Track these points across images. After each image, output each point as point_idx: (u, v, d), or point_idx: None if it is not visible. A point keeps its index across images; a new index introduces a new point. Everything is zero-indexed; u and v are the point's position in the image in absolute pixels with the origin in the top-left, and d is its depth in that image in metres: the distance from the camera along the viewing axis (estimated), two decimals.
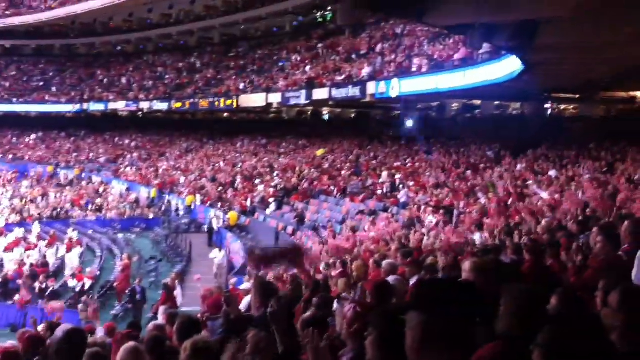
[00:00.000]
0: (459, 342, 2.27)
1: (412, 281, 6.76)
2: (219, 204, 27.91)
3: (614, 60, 13.65)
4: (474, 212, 14.51)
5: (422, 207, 17.99)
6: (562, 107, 27.43)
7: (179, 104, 40.62)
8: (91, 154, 44.87)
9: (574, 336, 2.26)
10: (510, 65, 15.86)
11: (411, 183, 21.72)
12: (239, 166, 32.89)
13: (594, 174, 14.60)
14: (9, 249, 23.00)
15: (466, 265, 5.51)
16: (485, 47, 15.96)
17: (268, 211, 25.57)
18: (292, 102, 31.74)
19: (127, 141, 46.09)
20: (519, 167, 18.88)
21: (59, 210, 31.54)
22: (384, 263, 7.87)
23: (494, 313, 2.88)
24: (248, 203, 26.76)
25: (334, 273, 9.70)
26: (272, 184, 27.84)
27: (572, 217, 9.18)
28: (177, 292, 16.00)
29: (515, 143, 21.38)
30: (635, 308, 2.77)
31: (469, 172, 20.32)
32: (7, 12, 53.62)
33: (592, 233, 6.05)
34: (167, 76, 46.25)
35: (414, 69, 24.01)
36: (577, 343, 2.21)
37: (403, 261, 8.06)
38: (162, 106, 42.13)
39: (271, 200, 26.03)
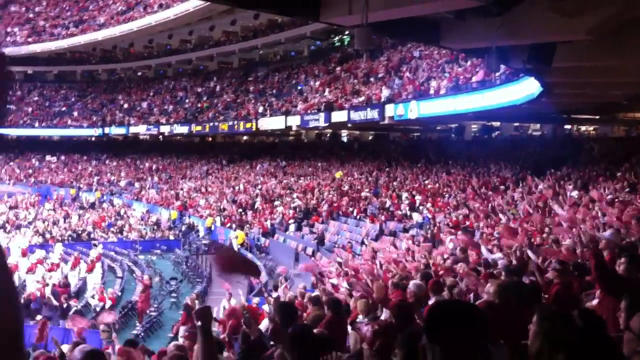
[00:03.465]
0: None
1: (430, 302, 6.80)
2: (237, 225, 28.10)
3: (634, 81, 13.64)
4: (495, 232, 14.48)
5: (442, 228, 17.99)
6: (582, 128, 27.38)
7: (199, 128, 41.12)
8: (112, 177, 45.43)
9: None
10: (528, 87, 15.92)
11: (430, 204, 21.73)
12: (259, 188, 33.08)
13: (616, 194, 14.53)
14: (31, 270, 23.25)
15: (489, 287, 5.57)
16: (504, 68, 16.04)
17: (288, 232, 25.66)
18: (311, 124, 32.00)
19: (148, 164, 46.61)
20: (539, 187, 18.83)
21: (80, 232, 31.88)
22: (408, 284, 7.91)
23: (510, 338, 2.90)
24: (268, 224, 26.89)
25: (354, 294, 9.75)
26: (292, 205, 27.97)
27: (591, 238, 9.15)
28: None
29: (535, 164, 21.35)
30: None
31: (489, 192, 20.30)
32: (29, 40, 54.84)
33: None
34: (187, 100, 46.83)
35: (432, 91, 24.14)
36: None
37: (423, 282, 8.09)
38: (182, 130, 42.65)
39: (291, 221, 26.14)
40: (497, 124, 27.02)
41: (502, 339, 3.37)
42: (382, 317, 7.33)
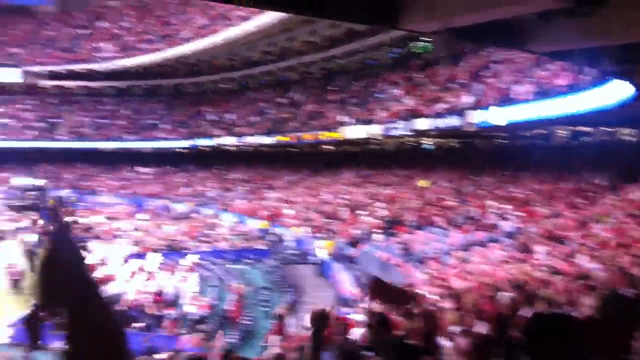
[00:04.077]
0: None
1: (524, 313, 6.84)
2: (323, 235, 28.48)
3: None
4: (589, 242, 14.19)
5: (532, 238, 17.72)
6: None
7: (283, 138, 41.99)
8: (201, 188, 46.95)
9: None
10: (621, 90, 15.50)
11: (519, 213, 21.39)
12: (343, 197, 33.41)
13: None
14: (128, 279, 24.42)
15: (588, 300, 5.60)
16: (592, 71, 15.70)
17: (373, 242, 25.81)
18: (393, 133, 32.08)
19: (235, 175, 47.93)
20: (633, 195, 18.25)
21: (173, 242, 33.16)
22: (500, 295, 7.98)
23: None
24: (353, 234, 27.14)
25: (445, 305, 9.85)
26: (377, 214, 28.11)
27: None
28: (289, 322, 16.58)
29: (628, 170, 20.65)
30: None
31: (580, 200, 19.81)
32: (120, 55, 57.51)
33: None
34: (270, 111, 47.87)
35: (516, 97, 23.77)
36: None
37: (515, 293, 8.12)
38: (267, 140, 43.68)
39: (376, 231, 26.28)
40: (586, 128, 26.26)
41: (601, 353, 3.47)
42: (477, 329, 7.43)
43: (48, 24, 66.62)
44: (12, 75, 60.32)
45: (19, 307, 19.22)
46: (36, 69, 60.10)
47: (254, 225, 34.91)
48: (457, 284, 14.00)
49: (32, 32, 65.47)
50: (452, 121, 26.84)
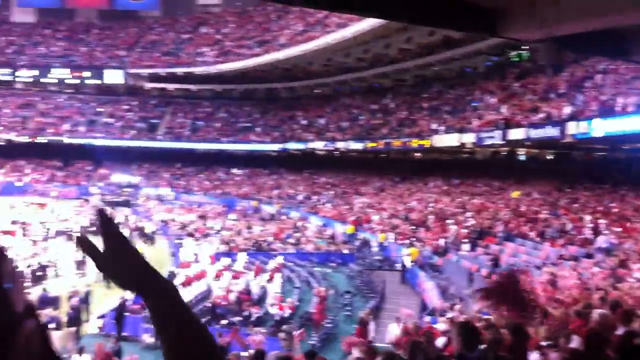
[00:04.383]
0: None
1: (619, 332, 6.54)
2: (409, 242, 28.24)
3: None
4: None
5: (629, 255, 16.89)
6: None
7: (372, 144, 42.01)
8: (291, 191, 47.65)
9: None
10: None
11: (616, 228, 20.43)
12: (432, 206, 33.00)
13: None
14: (217, 276, 25.04)
15: None
16: None
17: (461, 252, 25.36)
18: (487, 142, 31.41)
19: (323, 179, 48.35)
20: None
21: (261, 242, 33.79)
22: (594, 312, 7.65)
23: None
24: (441, 243, 26.76)
25: (534, 319, 9.55)
26: (466, 224, 27.60)
27: None
28: (371, 327, 16.52)
29: None
30: None
31: None
32: (218, 59, 59.33)
33: None
34: (362, 117, 47.99)
35: (618, 108, 22.77)
36: None
37: (611, 312, 7.77)
38: (357, 146, 43.83)
39: (464, 240, 25.80)
40: None
41: None
42: (569, 345, 7.16)
43: (153, 29, 69.72)
44: (116, 77, 63.53)
45: (110, 299, 20.14)
46: (139, 71, 62.97)
47: (340, 229, 35.06)
48: (548, 298, 13.53)
49: (138, 36, 68.67)
50: (549, 132, 26.02)
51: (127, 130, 59.44)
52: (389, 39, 44.87)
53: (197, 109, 62.49)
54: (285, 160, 53.55)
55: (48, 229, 34.16)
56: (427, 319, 16.46)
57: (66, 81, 64.33)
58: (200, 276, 24.57)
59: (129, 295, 16.78)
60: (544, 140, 27.47)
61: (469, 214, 29.10)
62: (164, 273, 25.34)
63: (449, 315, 14.32)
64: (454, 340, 6.25)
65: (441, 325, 14.43)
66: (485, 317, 10.76)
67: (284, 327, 19.08)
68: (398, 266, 26.94)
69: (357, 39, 43.96)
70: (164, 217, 41.41)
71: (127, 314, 18.47)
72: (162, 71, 62.12)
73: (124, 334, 18.13)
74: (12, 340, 0.75)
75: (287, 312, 20.42)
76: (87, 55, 66.17)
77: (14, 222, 34.62)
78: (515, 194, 30.25)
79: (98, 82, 64.05)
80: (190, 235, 34.66)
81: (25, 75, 64.13)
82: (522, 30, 9.04)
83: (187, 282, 22.98)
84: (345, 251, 31.35)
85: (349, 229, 34.14)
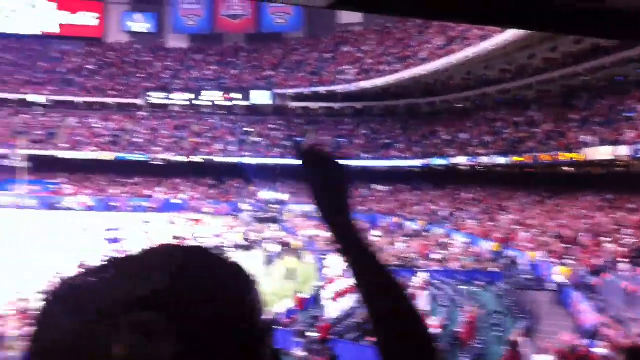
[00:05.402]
0: None
1: None
2: (561, 261, 27.14)
3: None
4: None
5: None
6: None
7: (518, 158, 40.84)
8: (434, 207, 47.34)
9: None
10: None
11: None
12: (585, 222, 31.50)
13: None
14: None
15: None
16: None
17: (619, 271, 24.03)
18: None
19: (467, 195, 47.59)
20: None
21: (404, 259, 33.83)
22: None
23: None
24: (596, 261, 25.51)
25: None
26: (623, 242, 26.12)
27: None
28: (522, 350, 16.18)
29: None
30: None
31: None
32: (359, 77, 60.47)
33: None
34: (505, 130, 46.80)
35: None
36: None
37: None
38: (501, 160, 42.80)
39: (622, 259, 24.44)
40: None
41: None
42: None
43: (297, 49, 72.49)
44: (263, 98, 66.68)
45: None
46: (285, 91, 65.63)
47: (486, 246, 34.35)
48: None
49: (282, 57, 71.70)
50: None
51: (273, 148, 62.01)
52: (533, 49, 43.58)
53: (339, 127, 63.94)
54: (427, 176, 53.32)
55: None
56: (584, 342, 15.84)
57: (217, 103, 68.38)
58: (346, 292, 25.07)
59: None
60: None
61: (627, 231, 27.50)
62: (311, 288, 26.36)
63: (609, 339, 13.78)
64: None
65: (600, 350, 13.92)
66: None
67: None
68: (550, 286, 25.98)
69: (498, 51, 43.10)
70: (310, 233, 42.67)
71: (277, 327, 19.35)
72: (306, 90, 64.32)
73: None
74: (262, 350, 0.78)
75: (434, 331, 20.39)
76: (236, 77, 70.06)
77: (175, 238, 37.26)
78: None
79: (247, 103, 67.46)
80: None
81: (180, 98, 69.06)
82: None
83: (335, 298, 23.58)
84: (493, 269, 30.65)
85: (495, 246, 33.38)
